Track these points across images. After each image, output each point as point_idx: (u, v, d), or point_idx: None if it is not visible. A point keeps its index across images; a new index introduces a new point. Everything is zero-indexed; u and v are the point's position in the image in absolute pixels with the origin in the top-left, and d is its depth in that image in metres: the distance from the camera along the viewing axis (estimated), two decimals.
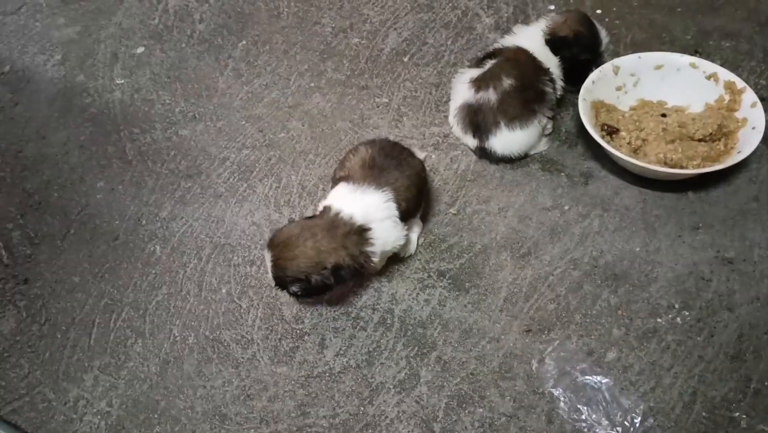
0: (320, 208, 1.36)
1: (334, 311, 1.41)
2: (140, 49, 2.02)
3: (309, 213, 1.39)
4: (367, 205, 1.32)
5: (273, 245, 1.29)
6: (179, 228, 1.58)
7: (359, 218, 1.31)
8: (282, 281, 1.30)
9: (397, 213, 1.35)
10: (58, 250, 1.56)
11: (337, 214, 1.30)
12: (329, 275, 1.27)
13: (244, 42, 2.00)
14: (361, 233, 1.31)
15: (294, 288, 1.30)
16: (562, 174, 1.58)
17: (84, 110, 1.86)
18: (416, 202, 1.42)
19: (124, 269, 1.52)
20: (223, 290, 1.46)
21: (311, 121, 1.77)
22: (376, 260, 1.34)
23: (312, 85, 1.86)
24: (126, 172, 1.71)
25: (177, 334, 1.40)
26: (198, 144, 1.75)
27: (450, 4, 2.02)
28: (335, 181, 1.41)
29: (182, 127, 1.80)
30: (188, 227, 1.58)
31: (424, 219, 1.52)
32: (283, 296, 1.44)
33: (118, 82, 1.94)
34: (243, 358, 1.36)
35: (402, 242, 1.38)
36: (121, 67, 1.97)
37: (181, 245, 1.55)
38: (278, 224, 1.55)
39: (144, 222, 1.60)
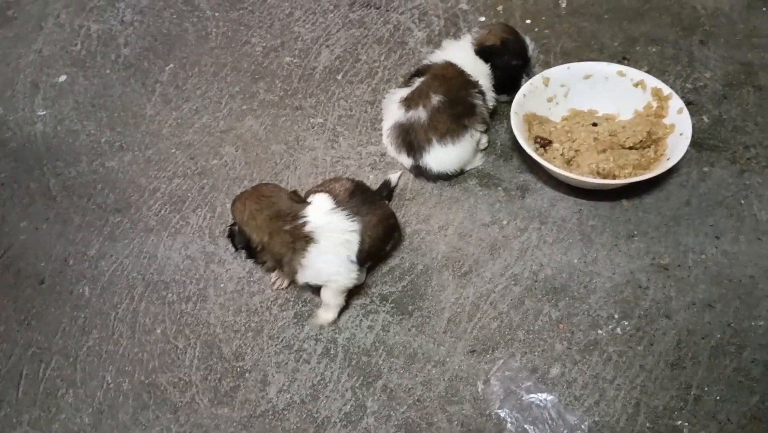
0: (310, 199, 1.35)
1: (276, 345, 1.37)
2: (62, 78, 1.94)
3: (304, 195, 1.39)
4: (330, 225, 1.30)
5: (257, 186, 1.39)
6: (109, 267, 1.51)
7: (310, 227, 1.28)
8: (232, 206, 1.36)
9: (356, 247, 1.32)
10: None
11: (300, 211, 1.30)
12: (239, 238, 1.32)
13: (171, 65, 1.94)
14: (300, 239, 1.28)
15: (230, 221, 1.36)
16: (500, 188, 1.58)
17: (4, 145, 1.78)
18: (379, 246, 1.39)
19: (52, 313, 1.45)
20: (158, 331, 1.41)
21: (245, 146, 1.72)
22: (300, 279, 1.31)
23: (244, 107, 1.82)
24: (50, 209, 1.63)
25: (110, 381, 1.34)
26: (126, 175, 1.68)
27: (382, 19, 2.00)
28: (308, 194, 1.39)
29: (109, 159, 1.73)
30: (118, 264, 1.51)
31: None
32: (222, 332, 1.40)
33: (39, 113, 1.85)
34: (181, 402, 1.30)
35: (346, 284, 1.34)
36: (43, 97, 1.89)
37: (112, 285, 1.48)
38: (214, 256, 1.51)
39: (71, 262, 1.53)
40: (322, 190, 1.37)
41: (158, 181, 1.66)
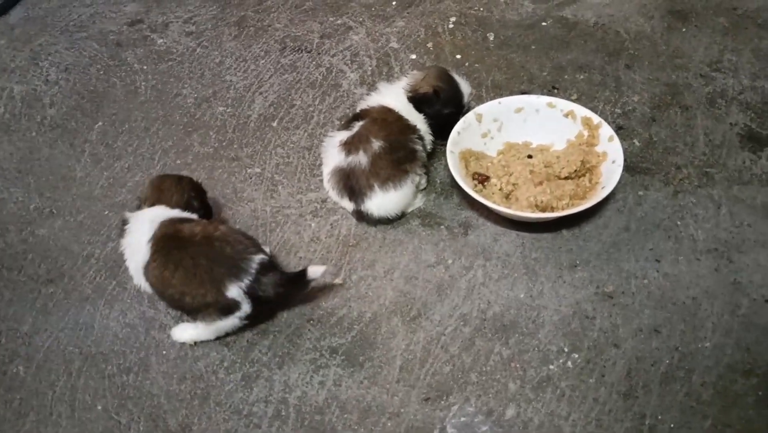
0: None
1: (224, 412, 1.32)
2: None
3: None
4: (132, 230, 1.39)
5: (168, 175, 1.55)
6: (44, 342, 1.44)
7: (126, 217, 1.44)
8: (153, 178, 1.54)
9: (141, 266, 1.36)
10: None
11: (147, 207, 1.45)
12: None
13: (100, 123, 1.89)
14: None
15: None
16: (442, 227, 1.58)
17: None
18: (172, 291, 1.36)
19: None
20: (99, 407, 1.34)
21: None
22: None
23: (178, 162, 1.77)
24: None
25: None
26: (57, 243, 1.62)
27: (314, 63, 2.00)
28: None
29: (39, 226, 1.66)
30: (54, 339, 1.44)
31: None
32: (167, 402, 1.34)
33: None
34: None
35: (139, 287, 1.41)
36: None
37: (48, 362, 1.41)
38: (154, 322, 1.46)
39: (3, 340, 1.45)
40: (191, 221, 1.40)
41: (92, 246, 1.60)
